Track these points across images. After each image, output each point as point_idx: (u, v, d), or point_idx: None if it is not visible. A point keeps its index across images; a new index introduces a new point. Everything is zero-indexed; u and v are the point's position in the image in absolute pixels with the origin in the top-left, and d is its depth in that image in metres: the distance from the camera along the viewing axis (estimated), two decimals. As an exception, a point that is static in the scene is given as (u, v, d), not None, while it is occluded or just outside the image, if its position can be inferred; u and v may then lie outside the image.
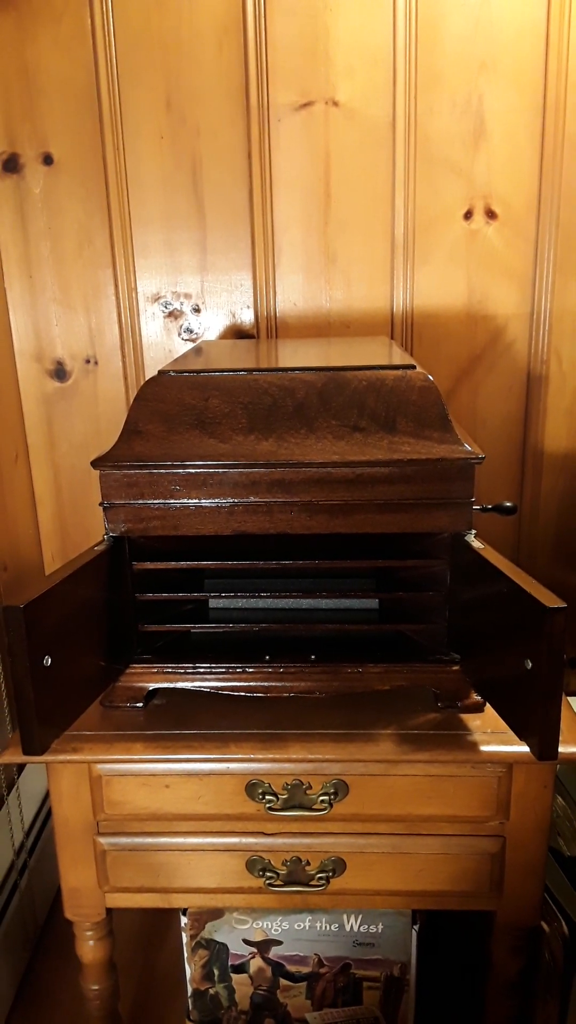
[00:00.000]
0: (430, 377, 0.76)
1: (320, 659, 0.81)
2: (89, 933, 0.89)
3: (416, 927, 0.93)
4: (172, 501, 0.77)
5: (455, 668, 0.80)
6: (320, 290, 1.21)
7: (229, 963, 0.97)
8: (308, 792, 0.79)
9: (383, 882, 0.83)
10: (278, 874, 0.82)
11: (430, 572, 0.81)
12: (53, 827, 0.83)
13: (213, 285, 1.22)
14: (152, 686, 0.82)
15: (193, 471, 0.76)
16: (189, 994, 0.99)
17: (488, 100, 1.12)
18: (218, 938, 0.96)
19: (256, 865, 0.82)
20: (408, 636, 0.84)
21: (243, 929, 0.95)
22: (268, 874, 0.82)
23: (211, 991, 0.98)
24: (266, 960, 0.96)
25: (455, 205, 1.16)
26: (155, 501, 0.77)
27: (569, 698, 0.81)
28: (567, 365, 1.22)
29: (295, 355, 0.92)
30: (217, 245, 1.20)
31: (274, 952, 0.96)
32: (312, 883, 0.82)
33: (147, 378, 0.80)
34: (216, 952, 0.96)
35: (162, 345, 1.25)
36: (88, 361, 1.26)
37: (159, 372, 0.79)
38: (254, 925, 0.95)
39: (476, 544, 0.75)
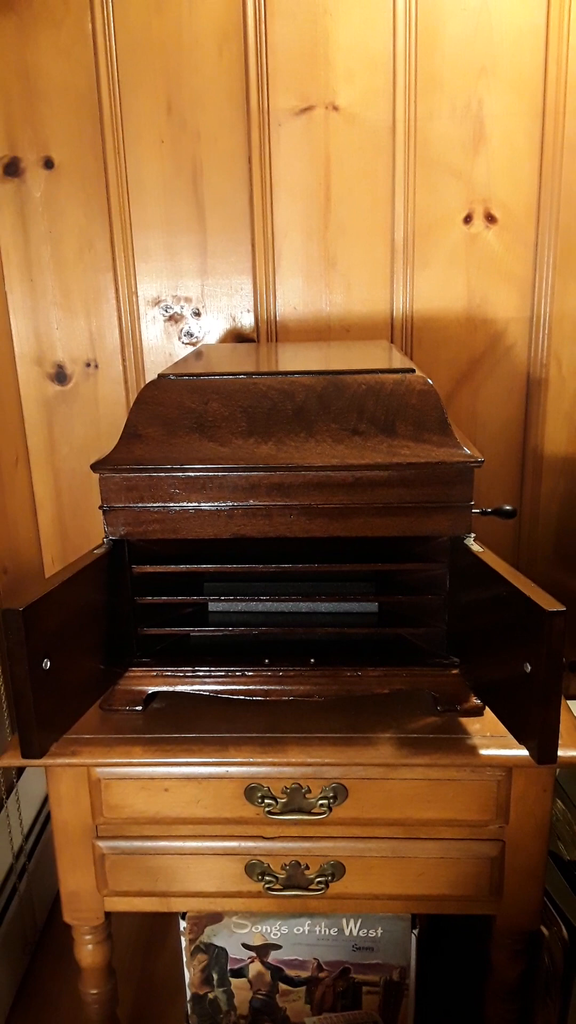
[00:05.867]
0: (429, 381, 0.76)
1: (319, 663, 0.81)
2: (88, 937, 0.88)
3: (415, 931, 0.93)
4: (171, 504, 0.77)
5: (454, 672, 0.80)
6: (320, 294, 1.21)
7: (228, 967, 0.97)
8: (307, 796, 0.79)
9: (382, 886, 0.83)
10: (277, 878, 0.82)
11: (429, 576, 0.81)
12: (52, 831, 0.83)
13: (213, 289, 1.22)
14: (151, 689, 0.82)
15: (192, 474, 0.76)
16: (188, 998, 0.99)
17: (488, 104, 1.13)
18: (217, 942, 0.96)
19: (255, 869, 0.82)
20: (407, 640, 0.84)
21: (242, 933, 0.95)
22: (267, 878, 0.82)
23: (210, 995, 0.98)
24: (265, 964, 0.96)
25: (455, 209, 1.17)
26: (154, 504, 0.77)
27: (568, 702, 0.81)
28: (567, 369, 1.22)
29: (295, 359, 0.92)
30: (217, 249, 1.20)
31: (273, 956, 0.96)
32: (311, 887, 0.82)
33: (147, 382, 0.80)
34: (215, 956, 0.96)
35: (162, 349, 1.25)
36: (88, 364, 1.26)
37: (159, 376, 0.79)
38: (253, 929, 0.95)
39: (475, 547, 0.75)
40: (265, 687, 0.81)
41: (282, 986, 0.97)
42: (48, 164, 1.17)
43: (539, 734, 0.64)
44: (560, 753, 0.72)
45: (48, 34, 1.12)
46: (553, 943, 0.90)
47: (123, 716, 0.81)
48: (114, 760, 0.77)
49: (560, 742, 0.70)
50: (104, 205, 1.18)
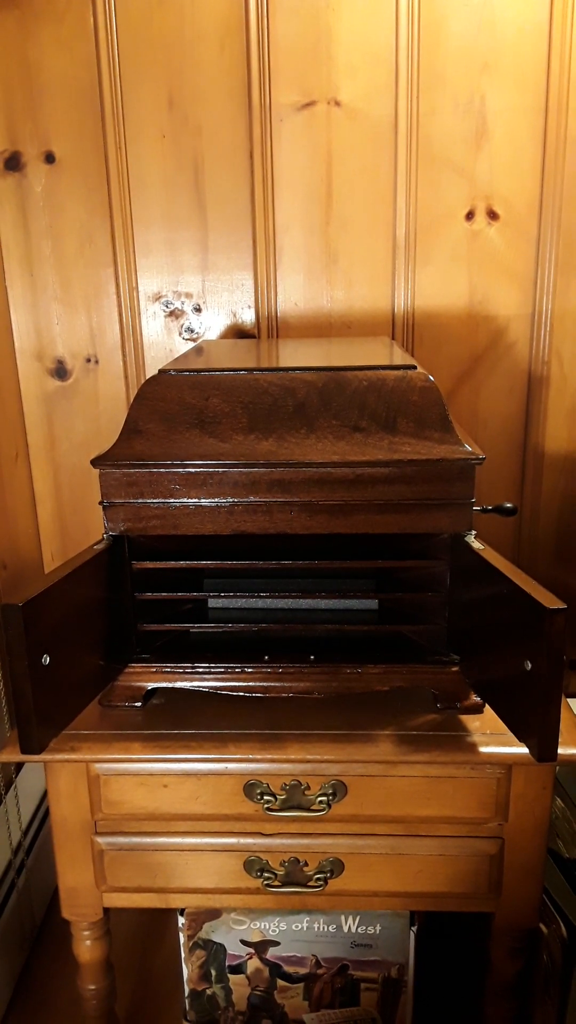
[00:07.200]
0: (431, 377, 0.76)
1: (319, 659, 0.81)
2: (86, 933, 0.88)
3: (414, 928, 0.93)
4: (172, 500, 0.77)
5: (454, 669, 0.80)
6: (321, 290, 1.21)
7: (226, 963, 0.97)
8: (306, 793, 0.79)
9: (381, 883, 0.83)
10: (276, 875, 0.82)
11: (430, 573, 0.81)
12: (51, 826, 0.83)
13: (214, 285, 1.22)
14: (151, 685, 0.82)
15: (193, 470, 0.76)
16: (186, 994, 0.99)
17: (490, 100, 1.12)
18: (215, 938, 0.96)
19: (254, 865, 0.82)
20: (407, 637, 0.84)
21: (241, 930, 0.95)
22: (266, 874, 0.82)
23: (208, 992, 0.98)
24: (263, 961, 0.96)
25: (457, 205, 1.16)
26: (155, 500, 0.77)
27: (569, 699, 0.81)
28: (568, 366, 1.22)
29: (296, 355, 0.91)
30: (218, 245, 1.19)
31: (271, 953, 0.96)
32: (310, 884, 0.82)
33: (147, 377, 0.80)
34: (213, 952, 0.96)
35: (163, 344, 1.25)
36: (89, 360, 1.26)
37: (159, 371, 0.79)
38: (252, 926, 0.95)
39: (476, 545, 0.75)
40: (265, 683, 0.80)
41: (280, 982, 0.97)
42: (49, 159, 1.17)
43: (539, 732, 0.64)
44: (560, 751, 0.72)
45: (50, 28, 1.12)
46: (552, 941, 0.90)
47: (122, 712, 0.81)
48: (113, 756, 0.77)
49: (560, 740, 0.69)
50: (105, 200, 1.18)
